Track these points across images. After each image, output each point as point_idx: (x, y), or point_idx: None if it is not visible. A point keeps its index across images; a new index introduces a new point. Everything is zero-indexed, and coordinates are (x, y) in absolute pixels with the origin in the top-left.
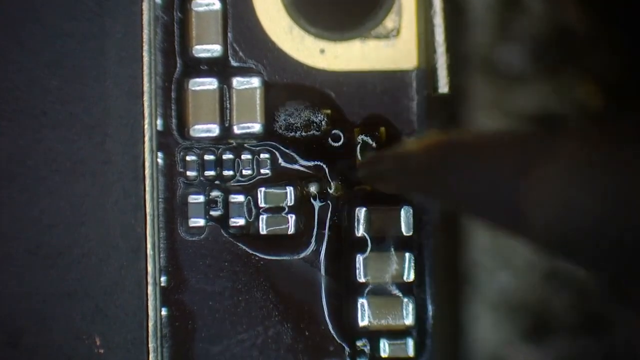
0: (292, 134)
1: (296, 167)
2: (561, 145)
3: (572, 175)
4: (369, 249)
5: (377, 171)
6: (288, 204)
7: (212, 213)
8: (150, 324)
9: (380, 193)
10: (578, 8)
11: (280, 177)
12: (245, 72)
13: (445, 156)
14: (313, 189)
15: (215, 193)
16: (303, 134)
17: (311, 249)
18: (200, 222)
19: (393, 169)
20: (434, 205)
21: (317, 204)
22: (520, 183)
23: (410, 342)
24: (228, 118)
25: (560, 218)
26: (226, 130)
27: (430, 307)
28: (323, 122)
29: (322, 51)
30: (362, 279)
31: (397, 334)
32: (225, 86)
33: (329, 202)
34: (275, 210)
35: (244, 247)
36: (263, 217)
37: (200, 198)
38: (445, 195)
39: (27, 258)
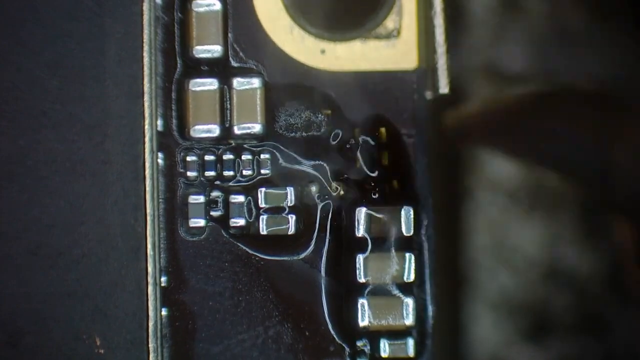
0: (293, 134)
1: (296, 167)
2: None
3: None
4: (369, 249)
5: (464, 129)
6: (288, 204)
7: (213, 213)
8: (151, 324)
9: (380, 194)
10: (577, 8)
11: (280, 178)
12: (245, 72)
13: (530, 113)
14: (313, 189)
15: (215, 193)
16: (303, 134)
17: (311, 249)
18: (201, 222)
19: (480, 126)
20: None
21: (318, 204)
22: (606, 145)
23: (411, 342)
24: (228, 118)
25: None
26: (226, 130)
27: (430, 307)
28: (323, 123)
29: (323, 51)
30: (362, 279)
31: (397, 334)
32: (225, 86)
33: (330, 202)
34: (276, 211)
35: (244, 248)
36: (263, 218)
37: (201, 198)
38: (530, 153)
39: (27, 258)
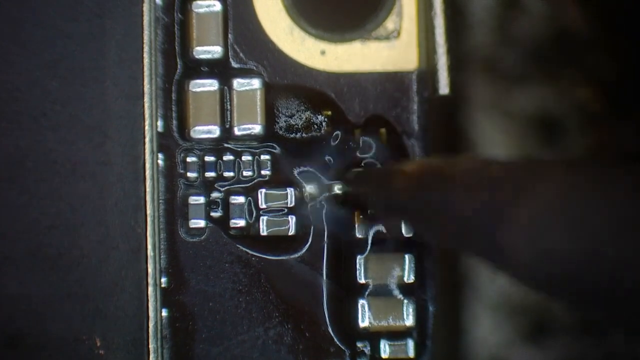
0: (293, 135)
1: (296, 168)
2: (538, 185)
3: (549, 218)
4: (368, 249)
5: (362, 190)
6: (288, 205)
7: (213, 214)
8: (151, 325)
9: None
10: (578, 10)
11: (280, 178)
12: (245, 73)
13: (427, 188)
14: (313, 190)
15: (215, 194)
16: (304, 135)
17: (312, 250)
18: (201, 223)
19: (377, 191)
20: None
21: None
22: (498, 224)
23: (411, 343)
24: (229, 119)
25: (540, 259)
26: (227, 131)
27: (430, 308)
28: (324, 123)
29: (323, 52)
30: (362, 280)
31: (397, 335)
32: (225, 87)
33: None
34: (276, 212)
35: (244, 249)
36: (263, 218)
37: (201, 199)
38: (425, 227)
39: (27, 259)
